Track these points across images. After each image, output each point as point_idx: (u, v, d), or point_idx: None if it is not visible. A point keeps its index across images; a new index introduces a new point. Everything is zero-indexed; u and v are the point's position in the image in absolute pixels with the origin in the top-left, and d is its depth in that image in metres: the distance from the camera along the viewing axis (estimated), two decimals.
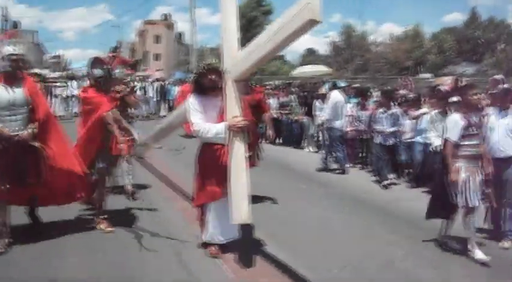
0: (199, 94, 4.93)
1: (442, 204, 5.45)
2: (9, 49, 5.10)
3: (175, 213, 6.65)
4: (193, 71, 5.02)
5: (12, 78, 5.07)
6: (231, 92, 4.75)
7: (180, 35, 64.39)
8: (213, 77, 4.80)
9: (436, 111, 8.11)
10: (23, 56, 5.14)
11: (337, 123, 10.11)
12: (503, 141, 5.75)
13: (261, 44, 4.34)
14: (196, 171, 5.03)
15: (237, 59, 4.73)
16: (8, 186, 4.95)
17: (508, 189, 5.72)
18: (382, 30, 76.47)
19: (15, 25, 42.04)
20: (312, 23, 3.80)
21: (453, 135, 5.24)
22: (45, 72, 21.75)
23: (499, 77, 9.12)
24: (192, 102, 4.92)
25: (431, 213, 5.64)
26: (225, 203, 4.72)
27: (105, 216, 5.86)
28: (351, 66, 35.98)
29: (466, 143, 5.24)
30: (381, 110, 9.19)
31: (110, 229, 5.73)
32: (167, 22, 65.10)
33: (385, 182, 8.85)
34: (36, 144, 5.05)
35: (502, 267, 5.08)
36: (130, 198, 7.04)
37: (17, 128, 5.00)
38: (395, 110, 9.16)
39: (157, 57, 62.42)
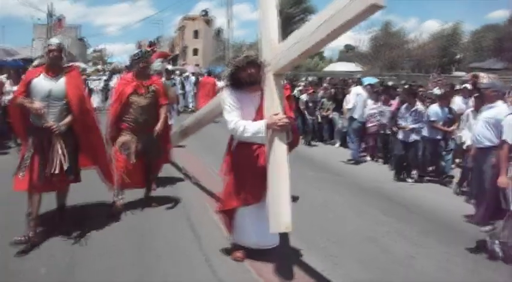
0: (235, 89, 4.46)
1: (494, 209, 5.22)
2: (49, 41, 5.30)
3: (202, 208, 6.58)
4: (230, 64, 4.56)
5: (55, 70, 5.06)
6: (271, 86, 4.35)
7: (219, 31, 65.04)
8: (252, 70, 4.35)
9: (472, 109, 8.14)
10: (58, 47, 5.07)
11: (356, 115, 10.84)
12: (481, 133, 6.05)
13: (308, 33, 3.88)
14: (227, 172, 4.69)
15: (277, 51, 4.35)
16: (41, 178, 4.93)
17: (485, 179, 5.89)
18: (424, 27, 74.77)
19: (60, 20, 43.43)
20: (374, 9, 3.33)
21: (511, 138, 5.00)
22: (84, 66, 22.59)
23: None
24: (227, 98, 4.48)
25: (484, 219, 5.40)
26: (260, 207, 4.43)
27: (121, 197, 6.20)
28: (378, 64, 35.65)
29: None
30: (404, 106, 9.29)
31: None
32: (206, 17, 65.99)
33: (401, 177, 9.11)
34: (58, 143, 4.95)
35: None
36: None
37: (52, 121, 4.96)
38: (420, 106, 9.21)
39: (195, 52, 63.48)
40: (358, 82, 11.68)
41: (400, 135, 9.17)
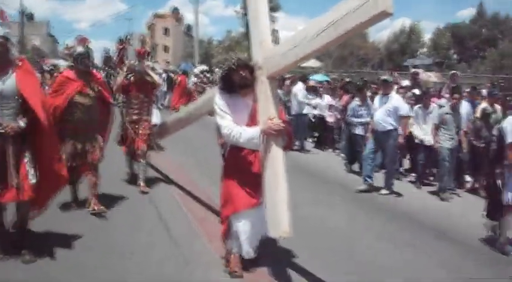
0: (227, 93, 4.33)
1: (496, 206, 5.59)
2: None
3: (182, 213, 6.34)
4: (222, 66, 4.43)
5: (2, 66, 4.40)
6: (265, 90, 4.19)
7: (189, 27, 65.48)
8: (245, 73, 4.24)
9: (420, 105, 8.96)
10: (2, 39, 4.39)
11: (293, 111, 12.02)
12: (382, 119, 7.94)
13: (308, 38, 3.69)
14: (222, 179, 4.51)
15: (271, 54, 4.20)
16: None
17: (387, 154, 8.16)
18: (397, 25, 76.82)
19: (31, 16, 43.02)
20: (383, 15, 3.20)
21: None
22: (57, 62, 22.90)
23: (456, 72, 10.47)
24: (219, 103, 4.32)
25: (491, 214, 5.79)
26: (257, 213, 4.27)
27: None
28: (329, 60, 36.94)
29: None
30: (357, 102, 9.85)
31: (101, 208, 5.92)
32: (176, 15, 66.50)
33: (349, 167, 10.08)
34: (11, 148, 4.36)
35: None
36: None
37: (5, 123, 4.35)
38: (369, 101, 9.80)
39: (165, 49, 63.93)
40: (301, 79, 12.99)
41: (358, 130, 9.65)
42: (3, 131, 4.28)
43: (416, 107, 9.04)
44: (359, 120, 9.66)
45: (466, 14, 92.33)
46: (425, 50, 40.86)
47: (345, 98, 11.41)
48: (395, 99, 8.13)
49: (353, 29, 3.37)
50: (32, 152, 4.51)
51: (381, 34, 42.20)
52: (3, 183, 4.33)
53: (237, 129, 4.18)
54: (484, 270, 5.07)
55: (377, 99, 8.43)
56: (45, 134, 4.57)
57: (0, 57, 4.39)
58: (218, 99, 4.34)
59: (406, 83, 11.45)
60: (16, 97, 4.39)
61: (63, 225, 5.38)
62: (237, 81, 4.26)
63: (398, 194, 8.07)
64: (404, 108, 8.13)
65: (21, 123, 4.37)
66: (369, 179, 8.13)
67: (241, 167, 4.34)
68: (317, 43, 3.63)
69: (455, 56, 40.31)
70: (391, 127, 7.93)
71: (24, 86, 4.41)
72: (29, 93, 4.42)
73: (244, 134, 4.15)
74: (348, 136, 10.20)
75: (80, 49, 5.92)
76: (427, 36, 41.93)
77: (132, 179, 7.51)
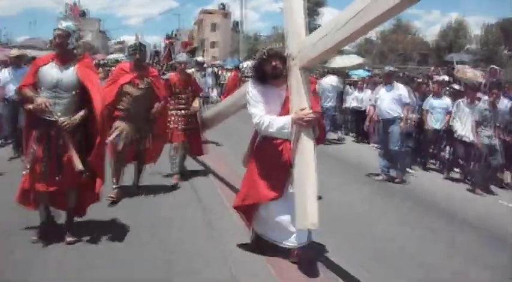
0: (260, 82, 4.39)
1: None
2: (58, 25, 4.67)
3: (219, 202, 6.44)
4: (255, 56, 4.53)
5: (64, 57, 4.59)
6: (297, 80, 4.19)
7: (237, 23, 66.19)
8: (276, 63, 4.26)
9: (463, 99, 8.88)
10: (65, 31, 4.54)
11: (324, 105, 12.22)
12: (390, 107, 8.32)
13: (338, 27, 3.69)
14: (250, 167, 4.55)
15: (304, 44, 4.17)
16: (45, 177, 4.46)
17: (391, 140, 8.31)
18: (447, 20, 74.96)
19: (84, 13, 44.46)
20: (409, 2, 3.22)
21: None
22: (109, 57, 23.97)
23: (495, 67, 10.45)
24: (251, 92, 4.39)
25: None
26: (282, 203, 4.27)
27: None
28: (370, 56, 36.72)
29: None
30: None
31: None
32: (224, 11, 67.38)
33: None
34: (69, 139, 4.48)
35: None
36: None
37: (59, 113, 4.46)
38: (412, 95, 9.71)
39: (213, 45, 64.91)
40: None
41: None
42: (55, 120, 4.39)
43: (460, 101, 8.94)
44: None
45: None
46: (473, 45, 39.92)
47: None
48: (400, 88, 8.57)
49: (380, 16, 3.35)
50: (84, 144, 4.63)
51: (434, 28, 42.07)
52: (55, 170, 4.45)
53: (267, 118, 4.23)
54: (502, 258, 5.12)
55: (379, 88, 8.80)
56: (96, 133, 4.64)
57: (59, 48, 4.58)
58: (251, 88, 4.42)
59: (444, 78, 11.54)
60: (73, 91, 4.53)
61: (103, 213, 5.51)
62: (269, 71, 4.29)
63: (423, 183, 8.49)
64: (407, 96, 8.56)
65: (77, 118, 4.48)
66: (386, 169, 8.56)
67: (272, 157, 4.32)
68: (346, 32, 3.64)
69: (506, 52, 39.03)
70: (397, 114, 8.36)
71: (86, 78, 4.57)
72: (90, 85, 4.57)
73: (274, 123, 4.19)
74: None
75: (131, 43, 6.41)
76: (476, 32, 41.06)
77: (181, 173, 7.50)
